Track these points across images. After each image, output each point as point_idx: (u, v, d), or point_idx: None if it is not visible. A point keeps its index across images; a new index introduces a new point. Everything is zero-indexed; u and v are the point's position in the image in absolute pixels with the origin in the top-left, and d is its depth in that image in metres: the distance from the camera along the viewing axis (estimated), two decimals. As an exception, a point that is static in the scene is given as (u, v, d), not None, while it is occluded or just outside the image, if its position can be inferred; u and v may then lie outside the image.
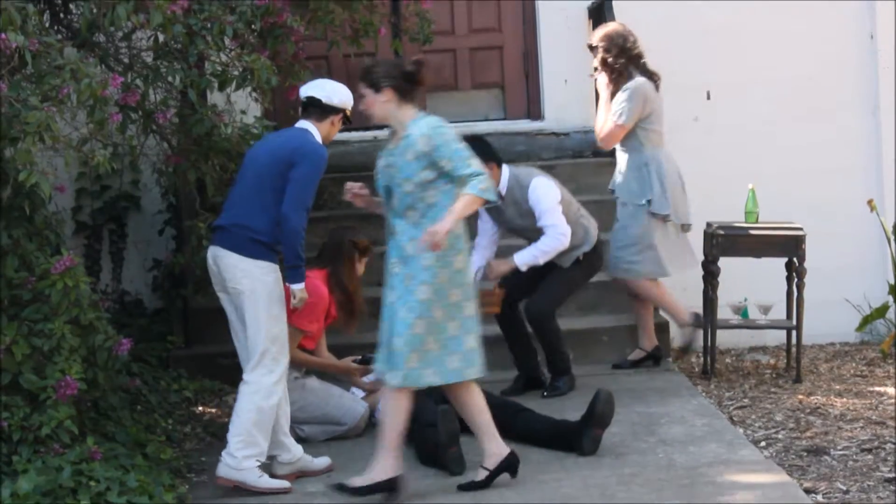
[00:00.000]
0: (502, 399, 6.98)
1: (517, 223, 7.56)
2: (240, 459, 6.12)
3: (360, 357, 7.16)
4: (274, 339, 6.16)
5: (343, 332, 7.13)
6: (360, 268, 7.08)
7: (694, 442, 6.55)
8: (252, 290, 6.12)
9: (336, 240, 7.02)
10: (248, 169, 6.34)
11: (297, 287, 6.17)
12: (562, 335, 7.62)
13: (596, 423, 6.41)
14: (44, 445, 5.55)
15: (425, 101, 10.00)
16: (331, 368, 7.18)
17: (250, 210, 6.16)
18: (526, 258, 7.43)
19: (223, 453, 6.17)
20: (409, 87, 5.99)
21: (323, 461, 6.47)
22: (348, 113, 6.45)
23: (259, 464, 6.16)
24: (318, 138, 6.32)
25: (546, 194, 7.44)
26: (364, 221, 7.90)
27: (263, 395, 6.13)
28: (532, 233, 7.50)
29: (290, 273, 6.15)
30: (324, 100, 6.35)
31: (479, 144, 6.94)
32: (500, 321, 7.62)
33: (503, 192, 7.43)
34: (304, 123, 6.38)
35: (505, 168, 7.53)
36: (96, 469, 5.57)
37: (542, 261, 7.44)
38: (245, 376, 6.18)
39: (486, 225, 7.70)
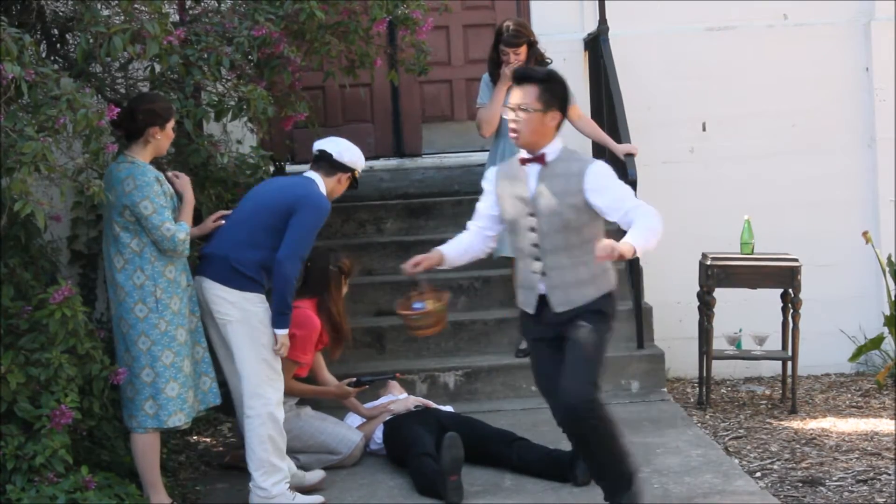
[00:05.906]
0: (497, 430, 6.94)
1: (551, 202, 5.61)
2: (269, 489, 6.18)
3: (354, 380, 7.16)
4: (266, 366, 6.17)
5: (329, 357, 7.12)
6: (344, 289, 7.09)
7: (689, 472, 6.55)
8: (241, 319, 6.13)
9: (320, 266, 7.00)
10: (248, 202, 6.35)
11: (281, 333, 6.18)
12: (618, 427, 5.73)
13: (587, 453, 6.25)
14: (38, 474, 5.53)
15: (420, 131, 10.07)
16: (326, 395, 7.17)
17: (238, 242, 6.17)
18: (639, 241, 5.37)
19: (251, 485, 6.23)
20: None
21: (316, 475, 6.55)
22: (357, 174, 6.50)
23: (288, 484, 6.24)
24: (324, 191, 6.36)
25: (616, 180, 5.69)
26: (347, 248, 7.88)
27: (269, 424, 6.17)
28: (553, 219, 5.63)
29: (276, 319, 6.16)
30: (334, 155, 6.41)
31: (557, 85, 5.72)
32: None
33: (550, 158, 5.72)
34: (312, 174, 6.42)
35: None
36: (90, 498, 5.55)
37: (654, 244, 5.45)
38: (246, 410, 6.20)
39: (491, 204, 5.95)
